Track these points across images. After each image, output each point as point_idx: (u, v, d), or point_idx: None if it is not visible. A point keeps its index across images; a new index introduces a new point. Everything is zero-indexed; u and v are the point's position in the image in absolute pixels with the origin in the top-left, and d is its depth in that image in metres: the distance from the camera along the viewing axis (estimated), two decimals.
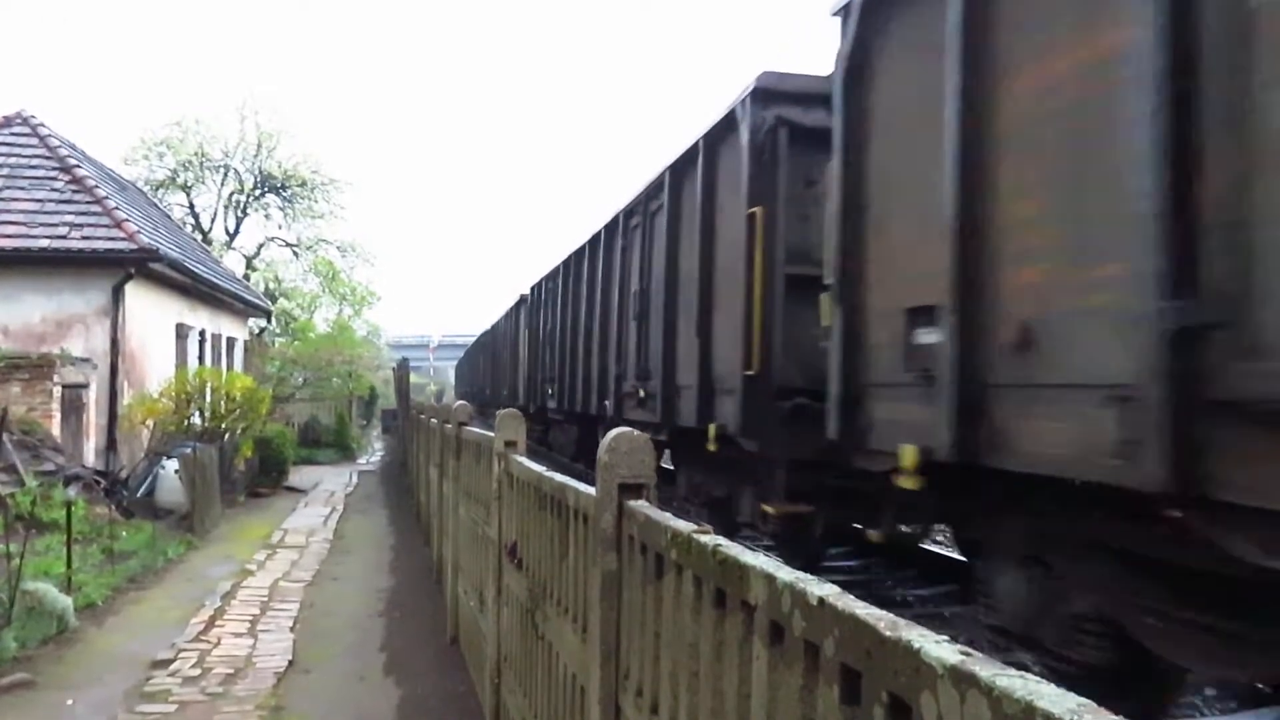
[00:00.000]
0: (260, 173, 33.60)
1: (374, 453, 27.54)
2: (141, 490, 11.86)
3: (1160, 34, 3.17)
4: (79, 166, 15.10)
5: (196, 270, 16.36)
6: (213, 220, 33.38)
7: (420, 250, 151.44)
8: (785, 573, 1.47)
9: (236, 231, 34.14)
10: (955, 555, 7.88)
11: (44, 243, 13.11)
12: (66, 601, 6.79)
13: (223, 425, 14.60)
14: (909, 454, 4.53)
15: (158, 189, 30.83)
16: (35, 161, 14.93)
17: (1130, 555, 3.89)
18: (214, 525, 11.72)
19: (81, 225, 13.54)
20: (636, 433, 2.49)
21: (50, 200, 14.03)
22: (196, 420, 14.15)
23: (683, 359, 8.80)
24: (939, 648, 1.04)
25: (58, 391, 11.93)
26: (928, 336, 4.65)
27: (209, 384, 15.00)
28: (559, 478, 3.22)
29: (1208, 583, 3.51)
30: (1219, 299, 2.97)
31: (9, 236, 13.05)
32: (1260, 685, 5.00)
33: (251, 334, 25.19)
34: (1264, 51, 2.86)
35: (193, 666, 5.98)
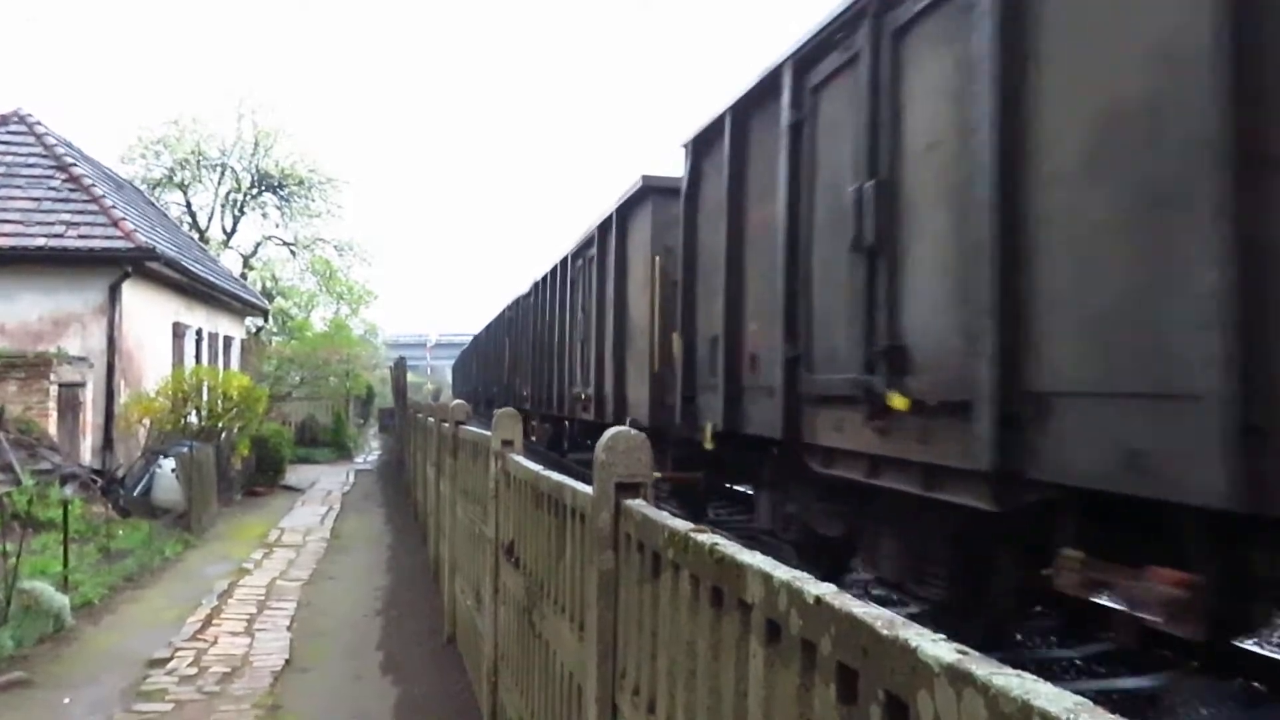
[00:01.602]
0: (257, 171, 33.58)
1: (371, 452, 27.53)
2: (138, 489, 11.85)
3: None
4: (76, 165, 15.08)
5: (193, 269, 16.34)
6: (210, 219, 33.39)
7: (417, 249, 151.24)
8: (782, 571, 1.47)
9: (233, 230, 34.14)
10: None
11: (41, 241, 13.09)
12: (63, 600, 6.78)
13: (219, 424, 14.59)
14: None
15: (155, 188, 30.78)
16: (32, 160, 14.91)
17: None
18: (211, 524, 11.72)
19: (78, 224, 13.52)
20: (634, 431, 2.48)
21: (47, 199, 14.01)
22: (193, 419, 14.14)
23: None
24: (936, 646, 1.04)
25: (54, 390, 11.91)
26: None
27: (206, 383, 15.00)
28: (556, 476, 3.22)
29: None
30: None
31: (6, 235, 13.03)
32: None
33: (248, 333, 25.17)
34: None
35: (189, 665, 5.98)
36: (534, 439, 17.46)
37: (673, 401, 8.47)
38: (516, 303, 21.11)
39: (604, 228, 11.78)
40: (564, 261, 14.70)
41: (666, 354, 8.95)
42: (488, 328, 29.45)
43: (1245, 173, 3.05)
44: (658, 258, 9.33)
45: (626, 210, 10.84)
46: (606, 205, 11.78)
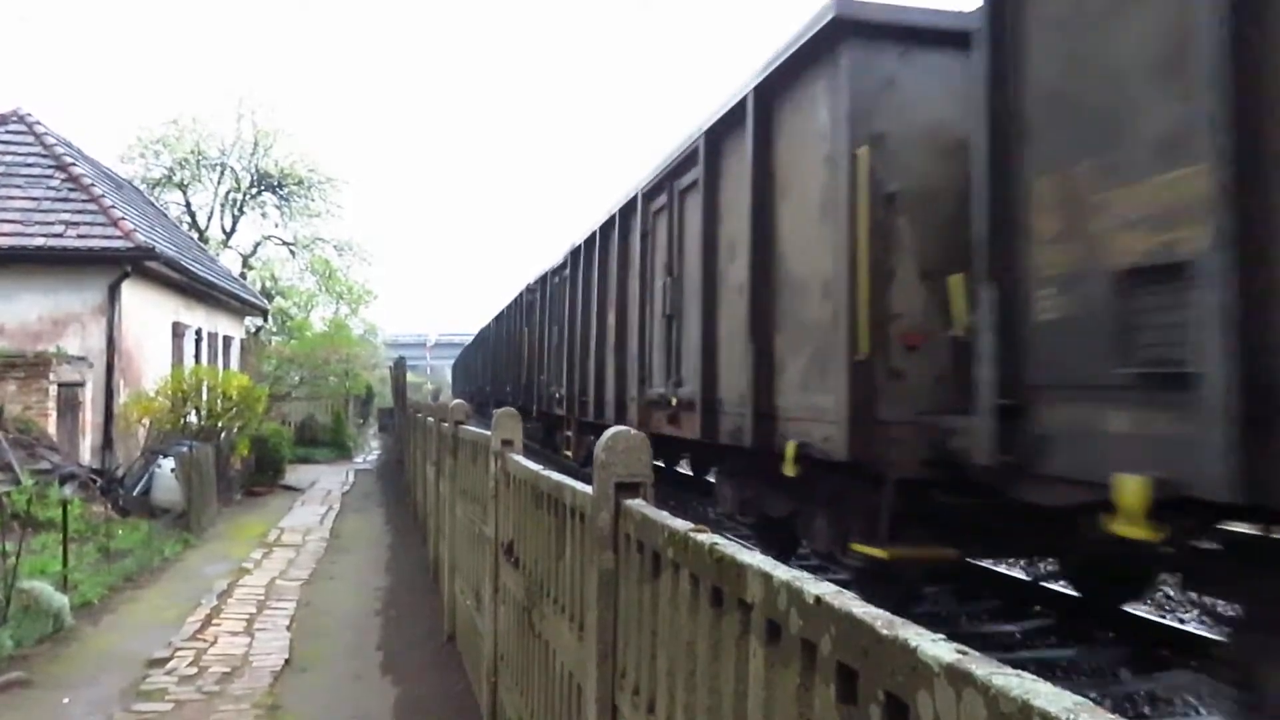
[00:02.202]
0: (257, 171, 33.59)
1: (371, 451, 27.51)
2: (138, 489, 11.84)
3: None
4: (75, 164, 15.07)
5: (193, 269, 16.33)
6: (209, 219, 33.40)
7: (417, 249, 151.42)
8: (782, 571, 1.47)
9: (233, 230, 34.15)
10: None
11: (40, 241, 13.08)
12: (62, 600, 6.78)
13: (219, 424, 14.59)
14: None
15: (154, 187, 30.78)
16: (31, 160, 14.90)
17: None
18: (210, 524, 11.71)
19: (78, 224, 13.52)
20: (634, 431, 2.48)
21: (46, 198, 14.00)
22: (193, 419, 14.14)
23: None
24: (935, 646, 1.04)
25: (54, 390, 11.91)
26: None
27: (205, 382, 15.00)
28: (556, 476, 3.22)
29: None
30: None
31: (5, 235, 13.02)
32: None
33: (248, 332, 25.17)
34: None
35: (189, 665, 5.97)
36: (568, 454, 13.58)
37: (903, 414, 5.20)
38: (543, 280, 16.64)
39: (721, 130, 7.42)
40: (626, 209, 10.40)
41: (880, 327, 5.26)
42: (498, 318, 25.22)
43: None
44: (862, 153, 5.29)
45: (781, 83, 6.37)
46: (733, 87, 7.17)
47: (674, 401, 8.33)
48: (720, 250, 7.45)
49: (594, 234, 12.19)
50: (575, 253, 13.53)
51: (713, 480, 12.75)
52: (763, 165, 6.61)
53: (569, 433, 13.71)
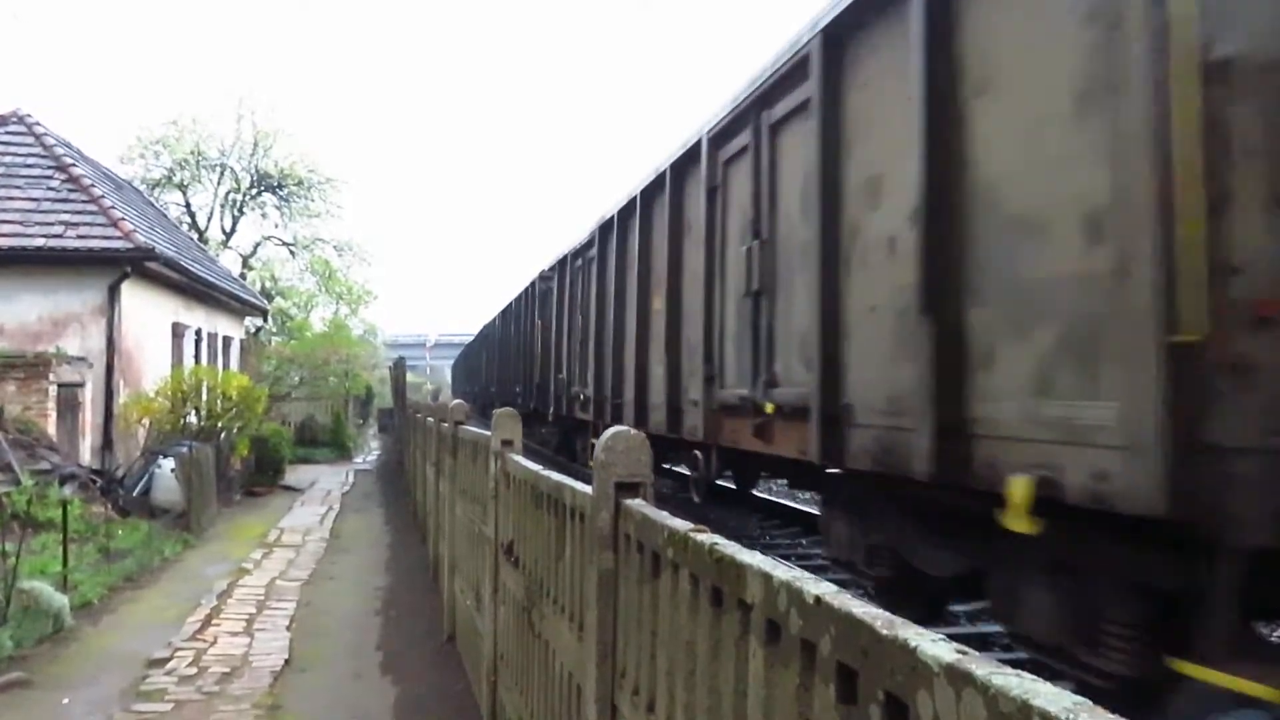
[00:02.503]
0: (257, 172, 33.62)
1: (370, 452, 27.51)
2: (138, 489, 11.85)
3: None
4: (75, 165, 15.08)
5: (193, 269, 16.34)
6: (209, 219, 33.43)
7: (416, 250, 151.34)
8: (782, 571, 1.47)
9: (233, 230, 34.18)
10: None
11: (40, 242, 13.09)
12: (62, 600, 6.78)
13: (219, 424, 14.60)
14: None
15: (154, 188, 30.80)
16: (31, 160, 14.91)
17: None
18: (210, 524, 11.71)
19: (77, 224, 13.53)
20: (633, 431, 2.49)
21: (46, 199, 14.01)
22: (192, 419, 14.15)
23: None
24: (935, 646, 1.04)
25: (53, 390, 11.91)
26: None
27: (205, 383, 15.01)
28: (556, 476, 3.22)
29: None
30: None
31: (5, 235, 13.03)
32: None
33: (248, 333, 25.18)
34: None
35: (189, 665, 5.97)
36: (593, 465, 9.97)
37: (1251, 436, 2.97)
38: (561, 264, 14.74)
39: (852, 19, 5.21)
40: (682, 162, 8.35)
41: (1217, 289, 3.01)
42: (505, 312, 22.88)
43: None
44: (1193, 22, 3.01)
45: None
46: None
47: (767, 408, 6.20)
48: (847, 193, 5.27)
49: (632, 200, 9.83)
50: (605, 227, 11.22)
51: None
52: (941, 51, 4.35)
53: (595, 440, 11.19)
